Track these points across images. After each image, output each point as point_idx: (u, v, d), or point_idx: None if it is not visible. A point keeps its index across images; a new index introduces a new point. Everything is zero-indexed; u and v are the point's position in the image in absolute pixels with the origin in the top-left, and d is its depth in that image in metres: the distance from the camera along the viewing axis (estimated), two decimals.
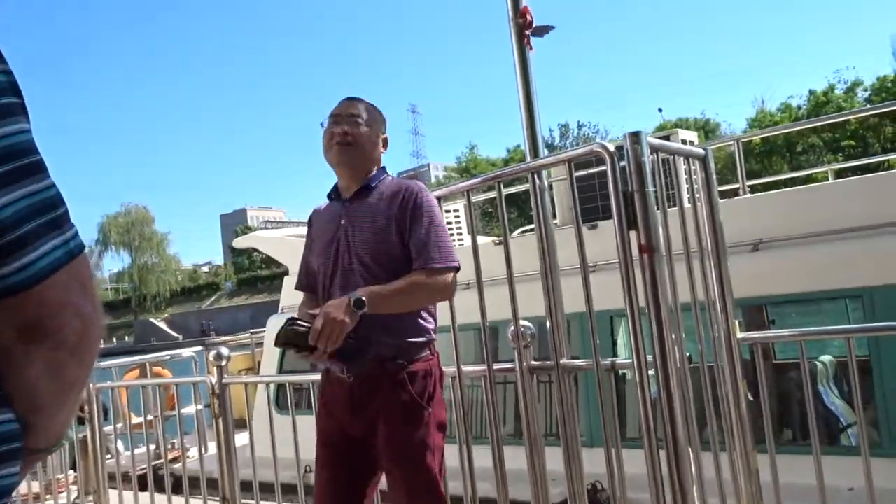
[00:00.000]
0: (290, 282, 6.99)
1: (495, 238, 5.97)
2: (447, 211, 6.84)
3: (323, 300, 2.27)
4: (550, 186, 4.51)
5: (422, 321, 2.23)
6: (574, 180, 2.13)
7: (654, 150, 2.00)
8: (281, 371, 6.48)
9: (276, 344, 2.11)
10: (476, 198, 6.15)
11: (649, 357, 1.86)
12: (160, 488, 4.37)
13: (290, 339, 2.07)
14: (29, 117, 0.75)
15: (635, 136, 1.88)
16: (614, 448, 2.17)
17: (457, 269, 2.20)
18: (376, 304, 2.04)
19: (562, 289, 2.44)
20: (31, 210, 0.72)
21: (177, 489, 4.51)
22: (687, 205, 2.26)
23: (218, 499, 3.85)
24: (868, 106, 29.50)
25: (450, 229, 6.37)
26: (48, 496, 4.96)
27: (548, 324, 2.33)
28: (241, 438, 4.24)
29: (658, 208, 1.89)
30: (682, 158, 2.33)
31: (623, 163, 1.90)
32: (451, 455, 2.33)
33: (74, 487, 5.13)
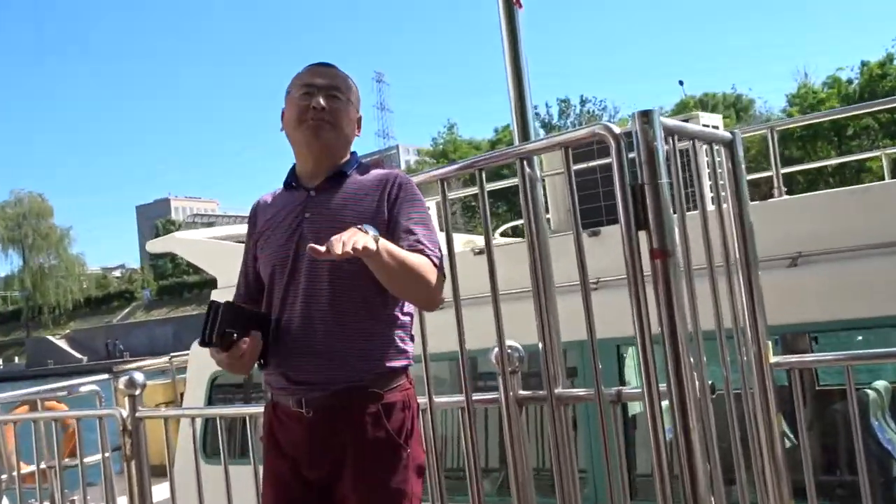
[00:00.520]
0: (220, 296, 6.89)
1: (475, 246, 5.94)
2: None
3: (276, 315, 2.26)
4: (543, 180, 4.52)
5: (400, 341, 2.25)
6: (572, 171, 2.15)
7: (669, 132, 2.02)
8: (211, 403, 6.42)
9: (206, 340, 2.06)
10: (454, 193, 6.11)
11: (662, 385, 1.88)
12: None
13: (227, 322, 2.04)
14: None
15: (646, 116, 1.90)
16: (620, 499, 2.19)
17: (444, 279, 2.22)
18: (383, 253, 2.01)
19: (557, 308, 2.46)
20: None
21: None
22: (710, 207, 2.27)
23: None
24: None
25: None
26: None
27: (540, 345, 2.35)
28: (159, 491, 4.20)
29: (673, 204, 1.92)
30: (703, 146, 2.35)
31: (632, 154, 1.92)
32: None
33: None
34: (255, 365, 2.24)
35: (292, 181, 2.38)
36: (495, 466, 5.08)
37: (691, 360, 1.87)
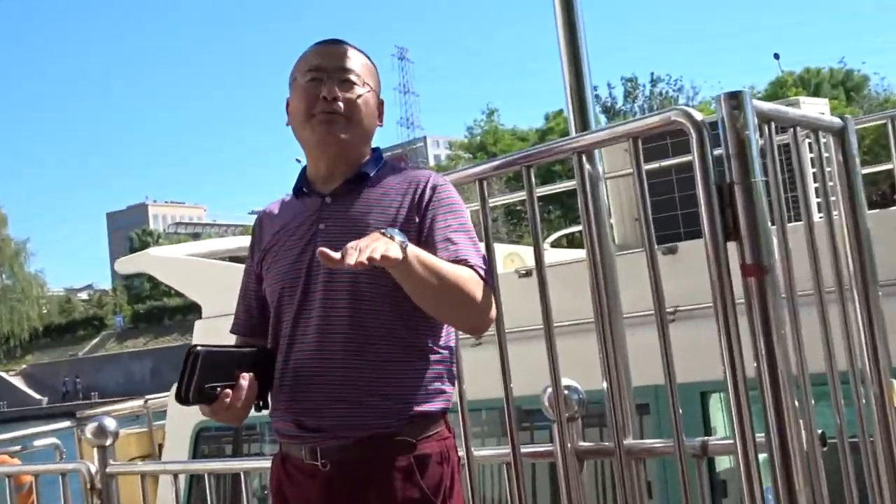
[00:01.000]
0: (205, 328, 6.90)
1: (521, 263, 5.89)
2: None
3: (284, 348, 2.27)
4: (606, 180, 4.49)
5: (437, 380, 2.25)
6: (642, 168, 2.14)
7: (765, 119, 2.02)
8: (197, 455, 6.46)
9: (183, 397, 2.08)
10: (496, 201, 6.01)
11: (759, 435, 1.87)
12: None
13: (209, 374, 2.06)
14: None
15: (734, 99, 1.90)
16: None
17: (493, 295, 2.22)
18: (413, 263, 2.01)
19: (626, 343, 2.45)
20: None
21: None
22: (817, 217, 2.26)
23: None
24: None
25: None
26: None
27: (604, 386, 2.34)
28: None
29: (771, 209, 1.91)
30: (807, 136, 2.34)
31: (718, 147, 1.91)
32: None
33: None
34: (253, 408, 2.25)
35: (303, 186, 2.39)
36: None
37: (796, 403, 1.86)
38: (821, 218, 2.34)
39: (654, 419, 4.50)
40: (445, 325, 2.29)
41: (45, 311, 75.84)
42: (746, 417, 1.89)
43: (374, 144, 2.42)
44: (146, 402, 8.70)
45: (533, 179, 2.42)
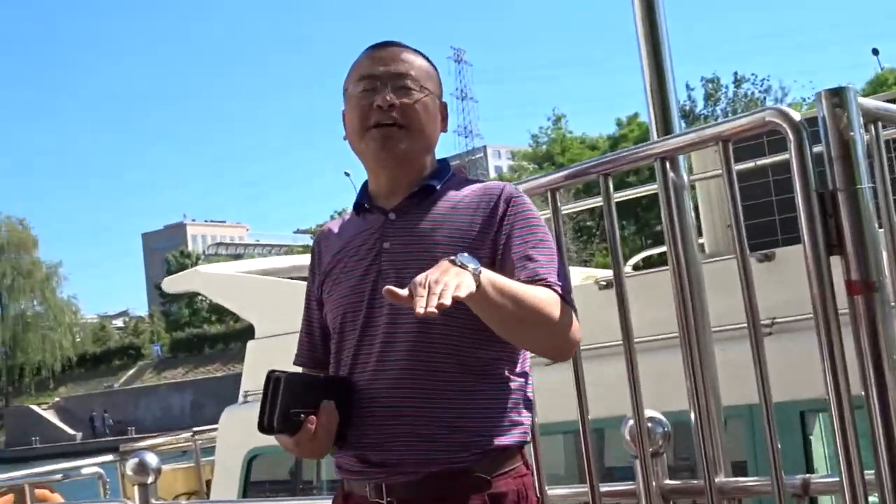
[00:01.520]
0: (258, 349, 7.01)
1: (600, 276, 5.88)
2: None
3: (344, 373, 2.28)
4: (692, 186, 4.47)
5: (513, 410, 2.23)
6: (733, 174, 2.13)
7: (871, 118, 1.99)
8: (247, 494, 6.51)
9: (266, 425, 2.09)
10: (568, 207, 6.05)
11: (869, 472, 1.84)
12: None
13: (293, 399, 2.07)
14: None
15: (837, 96, 1.88)
16: None
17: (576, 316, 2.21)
18: (489, 291, 2.00)
19: (716, 362, 2.42)
20: None
21: None
22: None
23: None
24: None
25: None
26: None
27: (692, 417, 2.33)
28: None
29: (879, 217, 1.88)
30: None
31: (819, 147, 1.89)
32: None
33: None
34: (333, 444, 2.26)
35: (364, 202, 2.39)
36: None
37: None
38: None
39: (747, 443, 4.47)
40: (522, 350, 2.27)
41: (78, 340, 77.04)
42: (854, 455, 1.86)
43: (442, 158, 2.42)
44: (194, 434, 8.80)
45: (611, 189, 2.41)
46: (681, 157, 2.52)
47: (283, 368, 2.17)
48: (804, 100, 38.64)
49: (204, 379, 60.38)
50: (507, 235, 2.21)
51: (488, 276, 2.01)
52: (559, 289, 2.15)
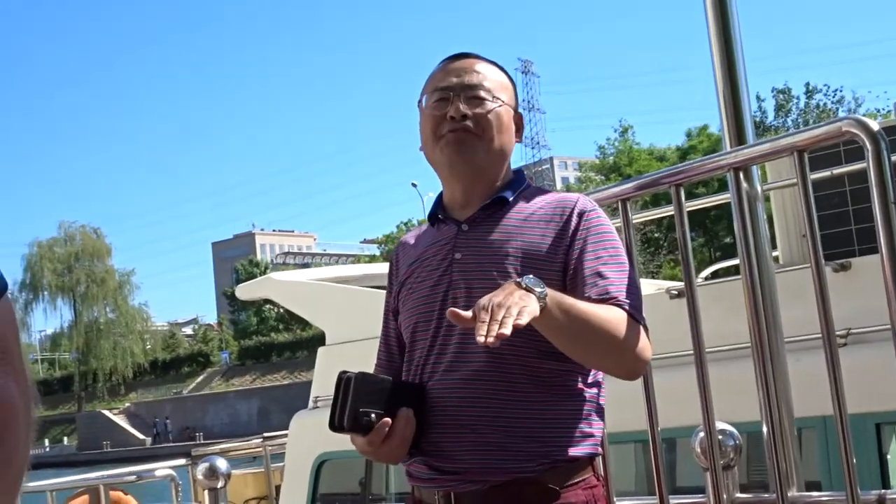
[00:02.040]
0: (329, 355, 7.06)
1: (672, 285, 5.84)
2: None
3: (416, 381, 2.30)
4: (767, 197, 4.42)
5: (584, 421, 2.24)
6: (809, 184, 2.11)
7: None
8: (316, 500, 6.56)
9: (336, 424, 2.11)
10: (637, 217, 6.03)
11: None
12: None
13: (364, 398, 2.08)
14: None
15: None
16: None
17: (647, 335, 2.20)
18: (555, 313, 2.02)
19: (788, 373, 2.40)
20: None
21: None
22: None
23: None
24: None
25: None
26: None
27: (763, 430, 2.30)
28: None
29: None
30: None
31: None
32: None
33: None
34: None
35: (439, 212, 2.42)
36: None
37: None
38: None
39: (821, 455, 4.41)
40: None
41: (148, 347, 78.26)
42: None
43: (517, 168, 2.43)
44: (264, 440, 8.87)
45: (682, 200, 2.40)
46: (754, 168, 2.51)
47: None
48: (878, 111, 38.00)
49: (271, 387, 60.94)
50: (579, 250, 2.21)
51: (554, 298, 2.02)
52: (629, 307, 2.14)
